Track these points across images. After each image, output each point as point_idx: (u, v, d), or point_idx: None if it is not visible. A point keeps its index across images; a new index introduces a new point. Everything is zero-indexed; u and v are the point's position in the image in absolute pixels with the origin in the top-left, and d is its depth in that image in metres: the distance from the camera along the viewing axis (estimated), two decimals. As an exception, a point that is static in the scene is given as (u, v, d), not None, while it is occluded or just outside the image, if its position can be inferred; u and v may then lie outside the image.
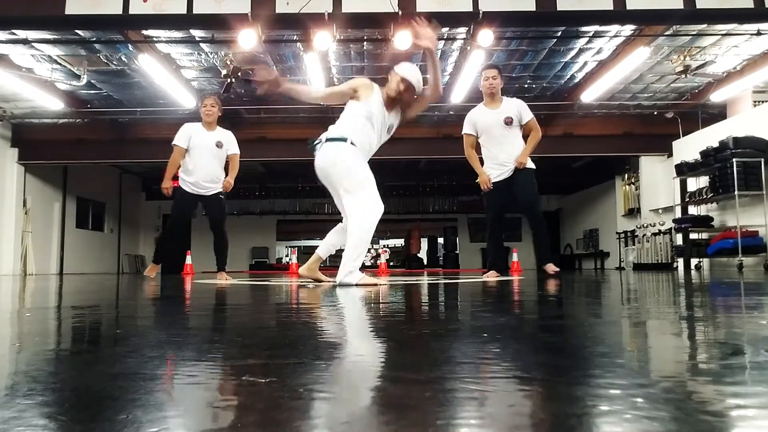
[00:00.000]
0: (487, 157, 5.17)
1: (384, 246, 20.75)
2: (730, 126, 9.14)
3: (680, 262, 9.88)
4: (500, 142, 5.07)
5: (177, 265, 5.61)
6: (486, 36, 6.66)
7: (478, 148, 5.23)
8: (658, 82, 9.91)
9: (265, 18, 6.53)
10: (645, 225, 11.76)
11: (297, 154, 11.90)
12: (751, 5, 6.51)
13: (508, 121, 5.03)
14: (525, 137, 5.19)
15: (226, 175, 5.75)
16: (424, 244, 18.88)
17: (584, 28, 7.80)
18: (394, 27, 6.56)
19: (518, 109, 5.11)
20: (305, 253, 20.73)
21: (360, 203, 3.46)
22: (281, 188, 17.50)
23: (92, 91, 10.15)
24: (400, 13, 6.48)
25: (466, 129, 5.15)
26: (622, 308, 1.96)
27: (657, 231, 11.28)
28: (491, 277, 4.99)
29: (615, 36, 8.06)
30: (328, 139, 3.56)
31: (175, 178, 5.69)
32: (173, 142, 5.60)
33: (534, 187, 5.11)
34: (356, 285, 3.34)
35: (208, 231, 5.86)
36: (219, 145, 5.60)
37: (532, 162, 5.12)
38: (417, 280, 4.91)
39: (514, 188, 5.09)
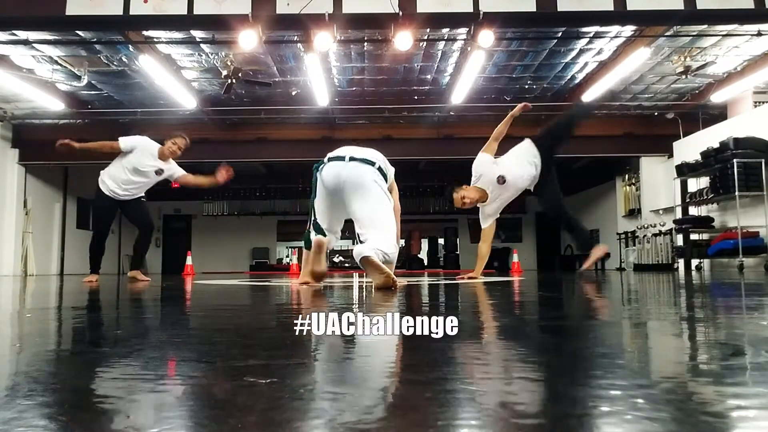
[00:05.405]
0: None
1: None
2: (730, 127, 9.13)
3: (681, 263, 9.87)
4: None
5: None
6: (486, 37, 6.66)
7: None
8: (659, 82, 9.90)
9: (265, 19, 6.52)
10: (645, 226, 11.74)
11: (298, 154, 11.91)
12: (752, 6, 6.50)
13: None
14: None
15: (143, 196, 5.71)
16: (425, 244, 18.87)
17: (585, 29, 7.78)
18: (394, 27, 6.56)
19: None
20: (305, 254, 20.74)
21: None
22: (282, 189, 17.47)
23: (93, 92, 10.14)
24: (401, 13, 6.48)
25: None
26: (623, 309, 1.96)
27: (657, 232, 11.26)
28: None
29: (615, 37, 8.05)
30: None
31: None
32: (120, 137, 5.57)
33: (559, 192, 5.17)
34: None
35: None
36: (158, 172, 5.56)
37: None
38: (417, 281, 4.91)
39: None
